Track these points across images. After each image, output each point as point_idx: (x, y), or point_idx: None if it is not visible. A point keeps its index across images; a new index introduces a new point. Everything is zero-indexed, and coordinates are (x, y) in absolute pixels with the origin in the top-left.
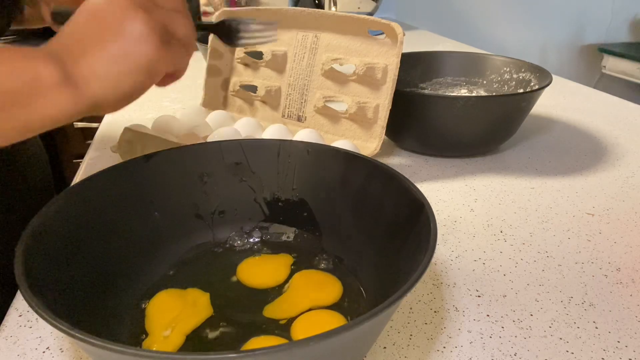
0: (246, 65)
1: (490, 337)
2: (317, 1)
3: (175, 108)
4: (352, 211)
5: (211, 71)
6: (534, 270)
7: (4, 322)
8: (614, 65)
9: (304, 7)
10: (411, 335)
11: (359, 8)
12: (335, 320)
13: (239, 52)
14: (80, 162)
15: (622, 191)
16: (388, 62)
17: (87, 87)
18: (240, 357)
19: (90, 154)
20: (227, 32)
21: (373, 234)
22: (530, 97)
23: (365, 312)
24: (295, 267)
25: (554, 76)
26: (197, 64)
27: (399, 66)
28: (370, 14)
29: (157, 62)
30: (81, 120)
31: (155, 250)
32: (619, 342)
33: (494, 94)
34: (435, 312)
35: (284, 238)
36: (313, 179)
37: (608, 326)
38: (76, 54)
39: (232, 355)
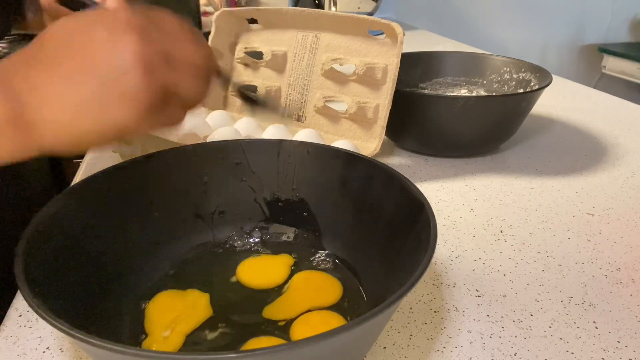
0: (246, 65)
1: (490, 337)
2: (317, 1)
3: None
4: (352, 211)
5: None
6: (534, 270)
7: (4, 322)
8: (614, 65)
9: (304, 7)
10: (411, 335)
11: (359, 8)
12: (335, 321)
13: (239, 52)
14: (80, 162)
15: (622, 191)
16: (388, 62)
17: (39, 134)
18: (240, 357)
19: (90, 154)
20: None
21: (373, 234)
22: (530, 97)
23: (365, 313)
24: (296, 268)
25: (554, 76)
26: None
27: (399, 66)
28: (370, 14)
29: (135, 128)
30: None
31: (155, 250)
32: (619, 342)
33: (494, 94)
34: (435, 312)
35: (284, 238)
36: (313, 179)
37: (608, 326)
38: (36, 90)
39: (231, 355)
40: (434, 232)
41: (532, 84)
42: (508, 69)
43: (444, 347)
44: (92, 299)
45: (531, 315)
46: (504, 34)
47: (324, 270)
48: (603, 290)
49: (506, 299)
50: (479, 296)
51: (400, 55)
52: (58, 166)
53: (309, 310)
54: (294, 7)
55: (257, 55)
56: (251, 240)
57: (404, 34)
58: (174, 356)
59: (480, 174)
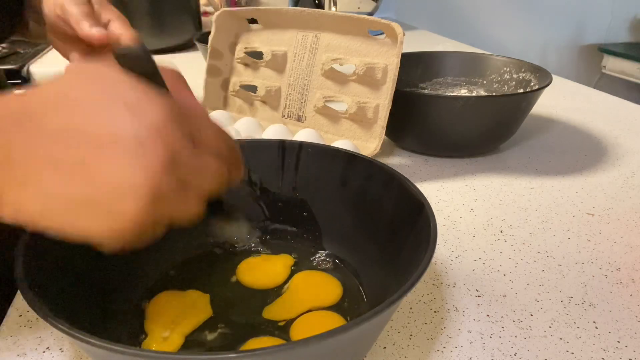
0: (246, 65)
1: (490, 337)
2: (317, 1)
3: None
4: (352, 211)
5: (211, 71)
6: (534, 270)
7: (4, 322)
8: (614, 65)
9: (304, 7)
10: (411, 335)
11: (359, 8)
12: (334, 321)
13: (239, 52)
14: None
15: (622, 191)
16: (388, 62)
17: (2, 211)
18: (239, 357)
19: None
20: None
21: (373, 234)
22: (530, 97)
23: (365, 313)
24: (296, 268)
25: (554, 76)
26: (197, 64)
27: (399, 66)
28: (370, 14)
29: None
30: None
31: (155, 250)
32: (619, 342)
33: (494, 94)
34: (435, 312)
35: (284, 238)
36: (313, 179)
37: (608, 326)
38: (13, 162)
39: (231, 355)
40: (434, 232)
41: (532, 84)
42: (508, 69)
43: (444, 347)
44: (92, 299)
45: (531, 315)
46: (504, 34)
47: (324, 270)
48: (603, 290)
49: (506, 299)
50: (479, 296)
51: (400, 55)
52: None
53: (309, 311)
54: (294, 7)
55: (257, 55)
56: (251, 240)
57: (404, 34)
58: (174, 356)
59: (480, 174)
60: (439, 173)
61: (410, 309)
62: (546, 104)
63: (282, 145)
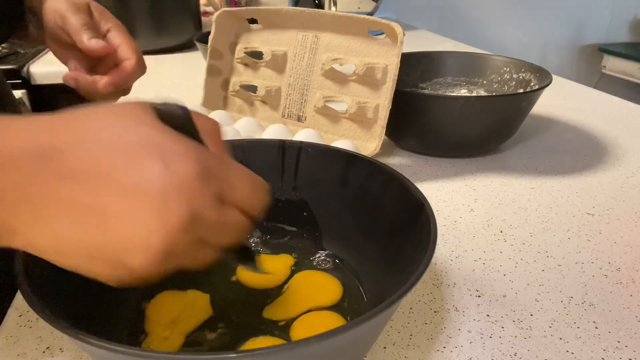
0: (246, 65)
1: (490, 337)
2: (317, 1)
3: None
4: (352, 211)
5: (211, 71)
6: (534, 270)
7: (4, 322)
8: (614, 65)
9: (304, 7)
10: (411, 335)
11: (359, 8)
12: (335, 321)
13: (239, 52)
14: None
15: (622, 191)
16: (388, 62)
17: (9, 238)
18: (239, 357)
19: None
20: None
21: (373, 234)
22: (530, 97)
23: (365, 313)
24: (296, 268)
25: (554, 76)
26: (197, 64)
27: (399, 66)
28: (370, 14)
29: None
30: None
31: None
32: (619, 342)
33: (494, 94)
34: (435, 312)
35: (284, 238)
36: (313, 179)
37: (608, 326)
38: (30, 202)
39: (231, 355)
40: (434, 232)
41: (532, 84)
42: (508, 69)
43: (444, 347)
44: (92, 299)
45: (531, 315)
46: (504, 34)
47: (324, 270)
48: (603, 290)
49: (506, 299)
50: (479, 296)
51: (400, 55)
52: None
53: (309, 311)
54: (294, 7)
55: (257, 55)
56: (251, 240)
57: (404, 34)
58: (174, 356)
59: (480, 174)
60: (439, 173)
61: (410, 309)
62: (546, 104)
63: (282, 145)
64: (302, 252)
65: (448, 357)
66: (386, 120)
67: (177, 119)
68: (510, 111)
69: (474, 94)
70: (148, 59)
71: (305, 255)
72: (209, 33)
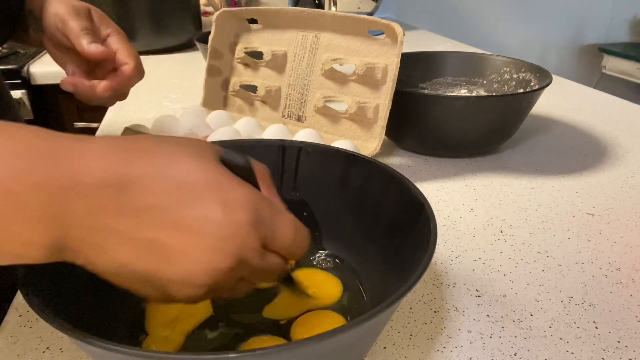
0: (246, 65)
1: (490, 337)
2: (317, 1)
3: (175, 108)
4: (352, 211)
5: (211, 71)
6: (534, 270)
7: (4, 322)
8: (614, 65)
9: (304, 7)
10: (411, 335)
11: (359, 8)
12: (335, 321)
13: (239, 52)
14: None
15: (622, 191)
16: (388, 62)
17: (73, 258)
18: (240, 357)
19: None
20: None
21: (373, 234)
22: (530, 97)
23: (365, 312)
24: (296, 267)
25: (553, 76)
26: (197, 64)
27: (399, 66)
28: (370, 14)
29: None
30: (81, 120)
31: None
32: (619, 342)
33: (494, 94)
34: (435, 312)
35: None
36: (313, 179)
37: (608, 326)
38: (98, 234)
39: (231, 355)
40: (434, 232)
41: (532, 84)
42: (508, 69)
43: (444, 347)
44: (92, 299)
45: (531, 315)
46: (504, 34)
47: (324, 269)
48: (603, 290)
49: (506, 299)
50: (479, 296)
51: (400, 55)
52: None
53: (308, 310)
54: (294, 7)
55: (257, 55)
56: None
57: (404, 34)
58: (174, 356)
59: (480, 174)
60: (439, 173)
61: (410, 309)
62: (546, 104)
63: (282, 146)
64: None
65: (448, 357)
66: (386, 120)
67: (239, 168)
68: (510, 111)
69: (474, 94)
70: (148, 59)
71: (305, 255)
72: (209, 33)
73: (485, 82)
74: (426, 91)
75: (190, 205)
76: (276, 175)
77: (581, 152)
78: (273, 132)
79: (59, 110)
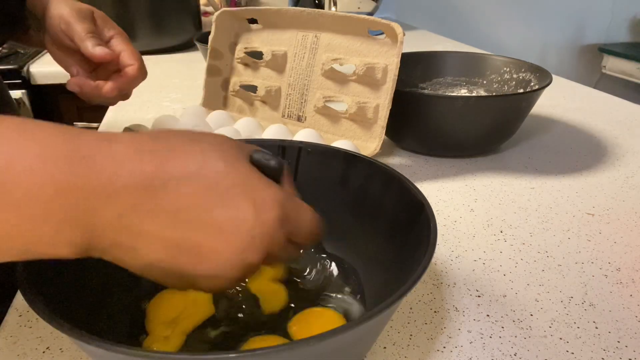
0: (246, 65)
1: (490, 337)
2: (317, 1)
3: (175, 108)
4: (352, 211)
5: (211, 71)
6: (534, 270)
7: (4, 322)
8: (614, 65)
9: (304, 7)
10: (411, 335)
11: (359, 8)
12: (333, 318)
13: (239, 52)
14: None
15: (622, 191)
16: (388, 62)
17: (99, 254)
18: (239, 357)
19: None
20: None
21: (373, 234)
22: (530, 97)
23: (365, 312)
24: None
25: (553, 76)
26: (197, 64)
27: (399, 66)
28: (370, 14)
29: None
30: (81, 120)
31: None
32: (619, 342)
33: (494, 94)
34: (435, 312)
35: None
36: (313, 179)
37: (608, 326)
38: (127, 233)
39: (231, 355)
40: (434, 232)
41: (532, 84)
42: (508, 69)
43: (444, 347)
44: (92, 299)
45: (531, 315)
46: (504, 34)
47: (324, 269)
48: (603, 290)
49: (506, 299)
50: (479, 296)
51: (400, 55)
52: None
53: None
54: (294, 7)
55: (257, 55)
56: None
57: (404, 34)
58: (174, 356)
59: (480, 174)
60: (439, 173)
61: (410, 309)
62: (546, 104)
63: (282, 146)
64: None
65: (448, 357)
66: (386, 120)
67: (268, 167)
68: (510, 111)
69: (474, 94)
70: (148, 59)
71: (305, 256)
72: (209, 33)
73: (485, 82)
74: (426, 91)
75: (222, 205)
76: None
77: (581, 152)
78: (273, 132)
79: (59, 110)
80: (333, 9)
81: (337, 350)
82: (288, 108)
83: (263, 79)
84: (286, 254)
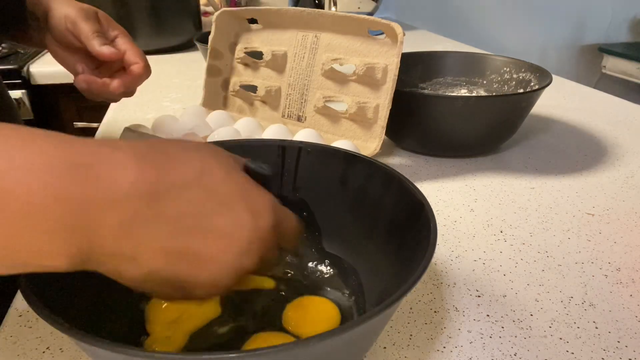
0: (246, 65)
1: (490, 337)
2: (317, 1)
3: (175, 108)
4: (352, 211)
5: (211, 71)
6: (534, 270)
7: (4, 322)
8: (614, 65)
9: (304, 7)
10: (411, 335)
11: (359, 8)
12: (327, 306)
13: (239, 52)
14: None
15: (622, 191)
16: (388, 62)
17: (95, 266)
18: (239, 357)
19: None
20: None
21: (373, 234)
22: (530, 97)
23: (365, 312)
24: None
25: (554, 76)
26: (197, 64)
27: (399, 66)
28: (370, 14)
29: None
30: (81, 120)
31: None
32: (619, 342)
33: (494, 94)
34: (435, 312)
35: None
36: (313, 179)
37: (608, 326)
38: (128, 242)
39: (231, 355)
40: (434, 232)
41: (532, 84)
42: (508, 69)
43: (444, 347)
44: (92, 299)
45: (531, 315)
46: (504, 34)
47: (324, 269)
48: (603, 290)
49: (506, 299)
50: (479, 296)
51: (400, 55)
52: None
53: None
54: (294, 7)
55: (257, 55)
56: None
57: (404, 34)
58: (174, 356)
59: (480, 174)
60: (439, 173)
61: (410, 309)
62: (546, 104)
63: (282, 146)
64: (301, 252)
65: (448, 357)
66: (386, 120)
67: (258, 175)
68: (510, 111)
69: (474, 94)
70: (148, 59)
71: (305, 255)
72: (209, 33)
73: (485, 82)
74: (426, 91)
75: (221, 212)
76: (276, 175)
77: (581, 152)
78: (273, 132)
79: (58, 110)
80: (333, 9)
81: (337, 350)
82: (288, 108)
83: (263, 79)
84: (274, 259)
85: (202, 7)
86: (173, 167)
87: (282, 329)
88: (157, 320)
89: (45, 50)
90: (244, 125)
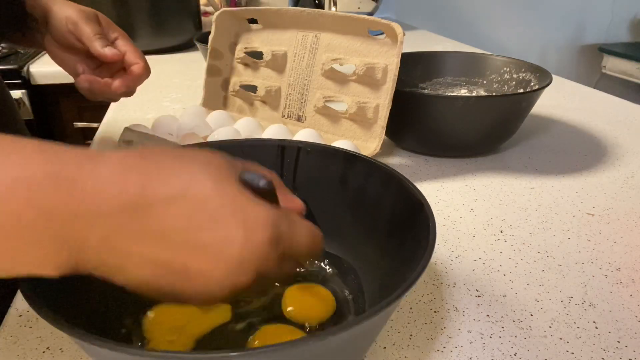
0: (246, 65)
1: (490, 337)
2: (317, 1)
3: (175, 108)
4: (352, 211)
5: (211, 71)
6: (534, 270)
7: (4, 322)
8: (614, 65)
9: (304, 7)
10: (411, 335)
11: (359, 8)
12: (321, 291)
13: (239, 52)
14: None
15: (622, 191)
16: (388, 62)
17: (85, 271)
18: (239, 356)
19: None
20: None
21: (373, 234)
22: (530, 97)
23: (365, 312)
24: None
25: (554, 76)
26: (197, 64)
27: (399, 66)
28: (370, 14)
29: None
30: (81, 120)
31: None
32: (619, 342)
33: (494, 94)
34: (435, 312)
35: None
36: (313, 179)
37: (608, 326)
38: (115, 255)
39: (231, 354)
40: (433, 232)
41: (532, 84)
42: (508, 69)
43: (444, 347)
44: (92, 299)
45: (531, 315)
46: (504, 34)
47: (323, 269)
48: (603, 290)
49: (506, 299)
50: (479, 296)
51: (400, 55)
52: None
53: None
54: (294, 7)
55: (257, 55)
56: None
57: (404, 34)
58: (175, 355)
59: (480, 174)
60: (439, 173)
61: (410, 309)
62: (546, 104)
63: (282, 145)
64: None
65: (448, 357)
66: (386, 120)
67: (262, 191)
68: (510, 111)
69: (474, 94)
70: (148, 59)
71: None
72: (209, 33)
73: (485, 82)
74: (426, 91)
75: (210, 227)
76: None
77: (581, 152)
78: (273, 132)
79: (58, 110)
80: (333, 9)
81: (337, 350)
82: (288, 108)
83: (263, 79)
84: (281, 273)
85: (202, 7)
86: (159, 180)
87: (283, 317)
88: (159, 327)
89: (44, 50)
90: (244, 125)
